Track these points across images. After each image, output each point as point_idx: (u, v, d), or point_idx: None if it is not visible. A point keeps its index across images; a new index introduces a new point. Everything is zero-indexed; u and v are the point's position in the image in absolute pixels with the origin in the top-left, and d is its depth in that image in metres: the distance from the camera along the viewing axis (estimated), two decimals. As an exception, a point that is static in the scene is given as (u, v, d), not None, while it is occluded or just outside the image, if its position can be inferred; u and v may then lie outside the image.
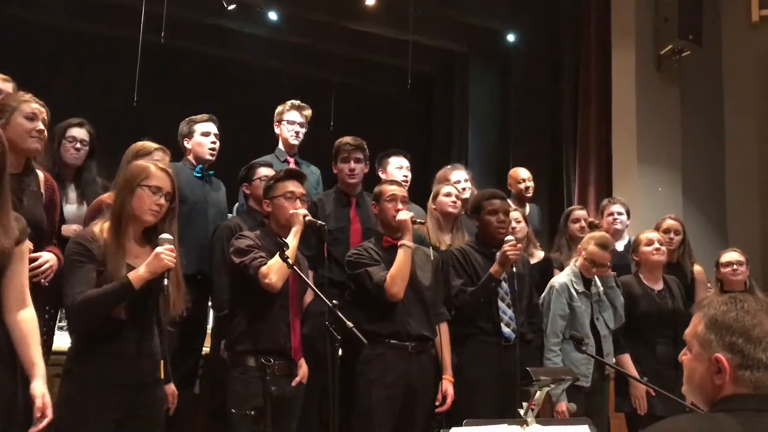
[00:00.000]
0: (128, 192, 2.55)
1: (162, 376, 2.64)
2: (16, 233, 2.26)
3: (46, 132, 2.90)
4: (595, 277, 3.92)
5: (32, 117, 2.80)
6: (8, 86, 3.27)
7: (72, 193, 3.65)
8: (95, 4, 7.93)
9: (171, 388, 2.79)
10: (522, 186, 5.03)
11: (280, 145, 4.44)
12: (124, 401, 2.49)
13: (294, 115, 4.41)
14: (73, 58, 8.37)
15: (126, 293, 2.44)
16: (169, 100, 7.92)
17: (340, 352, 3.05)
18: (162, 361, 2.63)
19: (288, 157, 4.38)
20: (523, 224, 4.41)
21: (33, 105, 2.84)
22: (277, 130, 4.47)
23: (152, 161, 2.81)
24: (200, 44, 8.70)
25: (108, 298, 2.44)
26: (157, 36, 6.82)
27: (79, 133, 3.70)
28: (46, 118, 2.88)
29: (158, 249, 2.47)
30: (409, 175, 4.29)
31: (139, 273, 2.45)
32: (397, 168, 4.24)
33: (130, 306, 2.51)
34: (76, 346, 2.58)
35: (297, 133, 4.40)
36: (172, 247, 2.49)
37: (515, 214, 4.50)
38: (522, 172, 5.12)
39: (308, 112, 4.48)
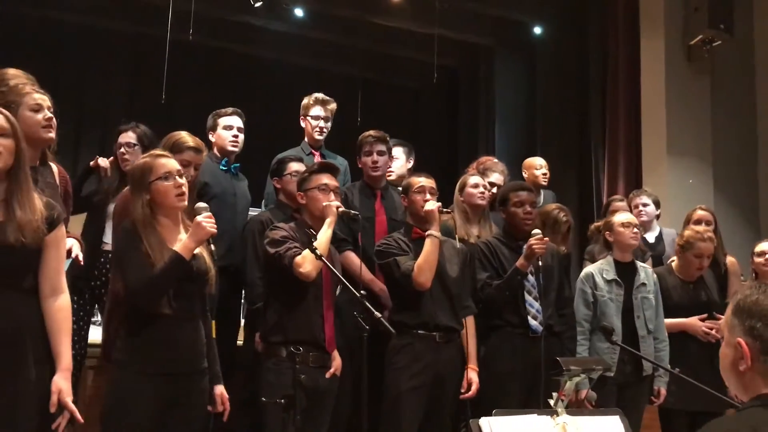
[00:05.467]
0: (144, 193, 2.59)
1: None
2: (45, 214, 2.27)
3: (55, 119, 2.84)
4: (643, 272, 3.87)
5: (37, 108, 2.77)
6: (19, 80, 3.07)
7: None
8: (123, 3, 8.02)
9: (220, 389, 2.73)
10: (539, 173, 5.05)
11: (306, 139, 4.47)
12: (168, 390, 2.53)
13: (318, 111, 4.42)
14: (101, 57, 8.47)
15: (179, 266, 2.50)
16: (197, 97, 7.99)
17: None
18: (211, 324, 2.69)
19: (313, 151, 4.41)
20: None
21: (35, 96, 2.81)
22: (302, 124, 4.49)
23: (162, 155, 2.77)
24: (227, 41, 8.76)
25: (166, 275, 2.49)
26: (185, 34, 6.89)
27: (125, 137, 3.76)
28: (51, 105, 2.84)
29: (198, 218, 2.54)
30: None
31: (185, 244, 2.52)
32: None
33: (174, 297, 2.55)
34: (123, 336, 2.60)
35: (321, 128, 4.42)
36: (209, 214, 2.56)
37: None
38: (538, 160, 5.20)
39: (333, 105, 4.50)
